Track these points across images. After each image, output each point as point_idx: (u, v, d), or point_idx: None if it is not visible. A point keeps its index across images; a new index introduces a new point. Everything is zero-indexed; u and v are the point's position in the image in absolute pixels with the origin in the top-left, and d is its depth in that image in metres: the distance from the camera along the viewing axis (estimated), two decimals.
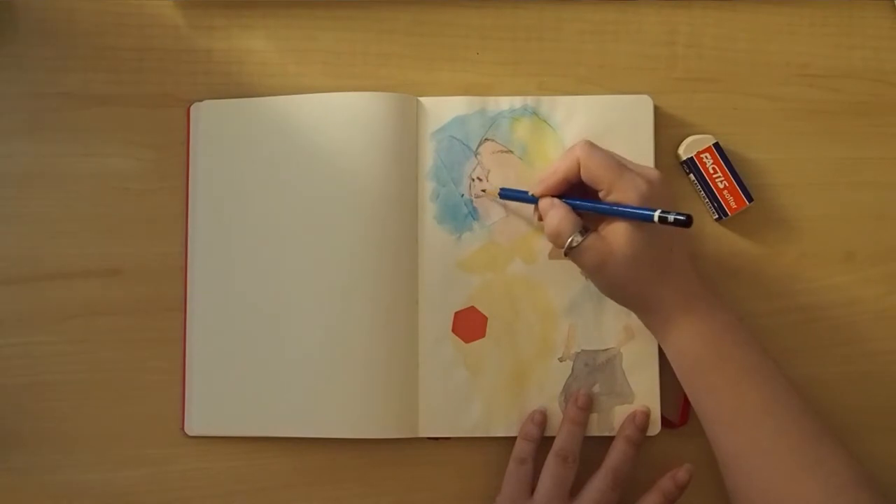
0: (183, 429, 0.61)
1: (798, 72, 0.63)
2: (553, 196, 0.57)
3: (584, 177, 0.56)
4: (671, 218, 0.51)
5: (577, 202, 0.57)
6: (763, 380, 0.55)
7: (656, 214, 0.52)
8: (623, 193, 0.54)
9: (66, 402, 0.61)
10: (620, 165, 0.55)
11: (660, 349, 0.59)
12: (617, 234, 0.54)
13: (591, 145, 0.56)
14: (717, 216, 0.61)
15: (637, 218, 0.53)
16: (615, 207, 0.54)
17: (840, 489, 0.52)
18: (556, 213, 0.56)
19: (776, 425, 0.54)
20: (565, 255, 0.55)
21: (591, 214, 0.56)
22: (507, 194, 0.60)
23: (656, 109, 0.62)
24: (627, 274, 0.54)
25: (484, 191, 0.61)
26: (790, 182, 0.62)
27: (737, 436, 0.54)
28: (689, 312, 0.55)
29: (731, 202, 0.61)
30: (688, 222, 0.51)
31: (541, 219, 0.58)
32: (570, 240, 0.55)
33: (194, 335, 0.61)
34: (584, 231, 0.55)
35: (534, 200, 0.58)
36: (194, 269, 0.61)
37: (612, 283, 0.56)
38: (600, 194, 0.55)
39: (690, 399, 0.56)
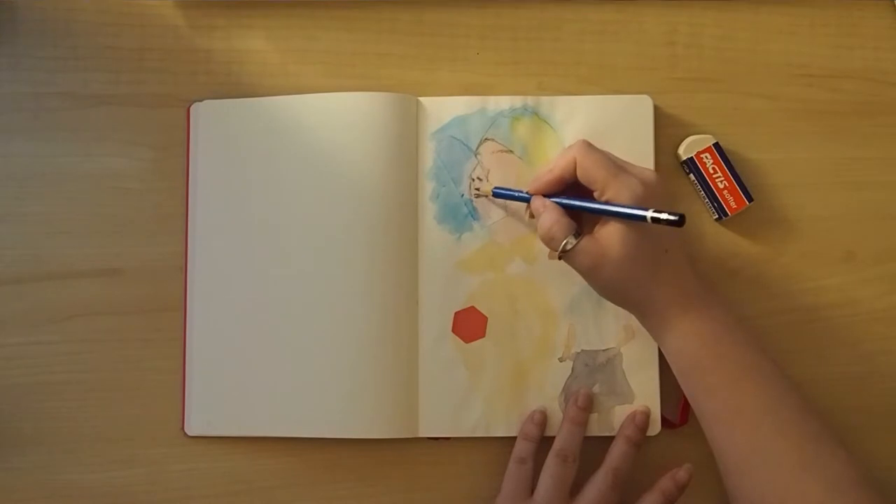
0: (183, 429, 0.61)
1: (798, 72, 0.63)
2: (548, 195, 0.57)
3: (579, 176, 0.56)
4: (664, 217, 0.51)
5: (570, 201, 0.56)
6: (762, 379, 0.55)
7: (649, 214, 0.51)
8: (617, 194, 0.54)
9: (66, 402, 0.61)
10: (616, 166, 0.55)
11: (659, 349, 0.59)
12: (611, 236, 0.54)
13: (588, 145, 0.56)
14: (717, 216, 0.61)
15: (630, 218, 0.53)
16: (608, 207, 0.54)
17: (840, 489, 0.52)
18: (549, 216, 0.55)
19: (776, 425, 0.54)
20: (559, 257, 0.55)
21: (586, 216, 0.56)
22: (500, 193, 0.60)
23: (656, 109, 0.62)
24: (622, 276, 0.54)
25: (478, 189, 0.61)
26: (790, 182, 0.62)
27: (736, 436, 0.54)
28: (686, 313, 0.55)
29: (731, 202, 0.61)
30: (680, 222, 0.50)
31: (532, 216, 0.58)
32: (563, 243, 0.55)
33: (194, 335, 0.61)
34: (578, 234, 0.55)
35: (527, 199, 0.58)
36: (194, 269, 0.61)
37: (607, 286, 0.56)
38: (595, 194, 0.55)
39: (689, 399, 0.56)
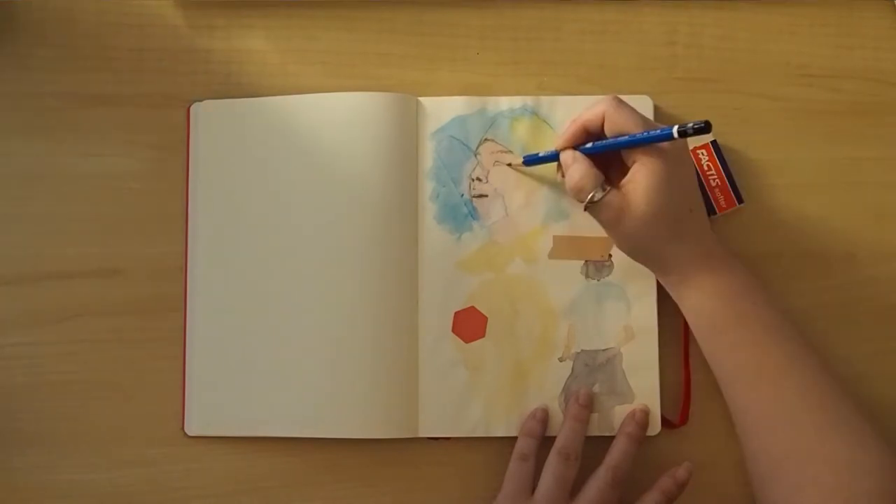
0: (183, 429, 0.61)
1: (798, 72, 0.63)
2: (573, 147, 0.57)
3: (608, 130, 0.55)
4: (690, 128, 0.51)
5: (596, 145, 0.56)
6: (783, 338, 0.55)
7: (675, 130, 0.51)
8: (646, 147, 0.54)
9: (67, 402, 0.61)
10: (646, 121, 0.55)
11: (660, 349, 0.59)
12: (637, 191, 0.54)
13: (619, 100, 0.56)
14: None
15: (656, 141, 0.53)
16: (634, 138, 0.54)
17: (866, 447, 0.52)
18: (579, 168, 0.55)
19: (799, 383, 0.54)
20: (585, 209, 0.55)
21: (615, 171, 0.56)
22: (530, 159, 0.60)
23: (656, 109, 0.62)
24: (645, 231, 0.54)
25: (510, 164, 0.61)
26: (790, 182, 0.62)
27: (759, 394, 0.54)
28: (706, 271, 0.55)
29: (721, 201, 0.61)
30: (707, 128, 0.50)
31: (563, 176, 0.58)
32: (591, 195, 0.55)
33: (194, 335, 0.61)
34: (605, 187, 0.55)
35: (555, 157, 0.58)
36: (194, 269, 0.61)
37: (630, 240, 0.56)
38: (623, 152, 0.55)
39: (709, 359, 0.57)
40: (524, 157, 0.60)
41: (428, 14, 0.63)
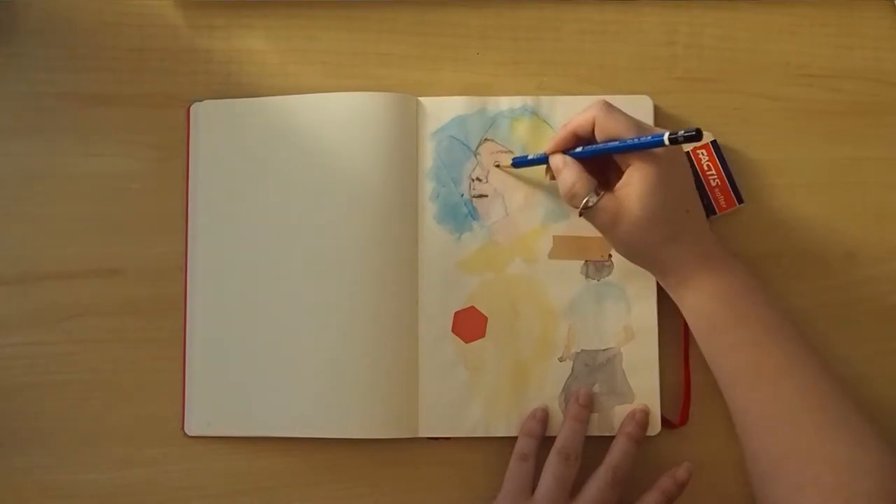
0: (183, 429, 0.61)
1: (798, 72, 0.63)
2: (563, 151, 0.57)
3: (598, 136, 0.55)
4: (681, 135, 0.51)
5: (586, 149, 0.56)
6: (783, 338, 0.55)
7: (666, 137, 0.51)
8: (640, 152, 0.54)
9: (66, 402, 0.61)
10: (638, 125, 0.55)
11: (660, 349, 0.60)
12: (631, 196, 0.54)
13: (608, 105, 0.55)
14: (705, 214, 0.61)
15: (647, 147, 0.53)
16: (625, 143, 0.53)
17: (866, 447, 0.52)
18: (571, 174, 0.55)
19: (799, 383, 0.54)
20: (580, 214, 0.55)
21: (609, 174, 0.56)
22: (519, 161, 0.60)
23: (656, 109, 0.62)
24: (640, 235, 0.54)
25: (498, 165, 0.61)
26: (789, 182, 0.62)
27: (758, 394, 0.54)
28: (705, 271, 0.55)
29: (721, 201, 0.61)
30: (698, 136, 0.50)
31: (552, 178, 0.58)
32: (585, 200, 0.55)
33: (194, 335, 0.61)
34: (598, 191, 0.55)
35: (545, 160, 0.58)
36: (194, 269, 0.61)
37: (626, 244, 0.56)
38: (616, 155, 0.55)
39: (709, 360, 0.56)
40: (513, 160, 0.60)
41: (428, 14, 0.63)
